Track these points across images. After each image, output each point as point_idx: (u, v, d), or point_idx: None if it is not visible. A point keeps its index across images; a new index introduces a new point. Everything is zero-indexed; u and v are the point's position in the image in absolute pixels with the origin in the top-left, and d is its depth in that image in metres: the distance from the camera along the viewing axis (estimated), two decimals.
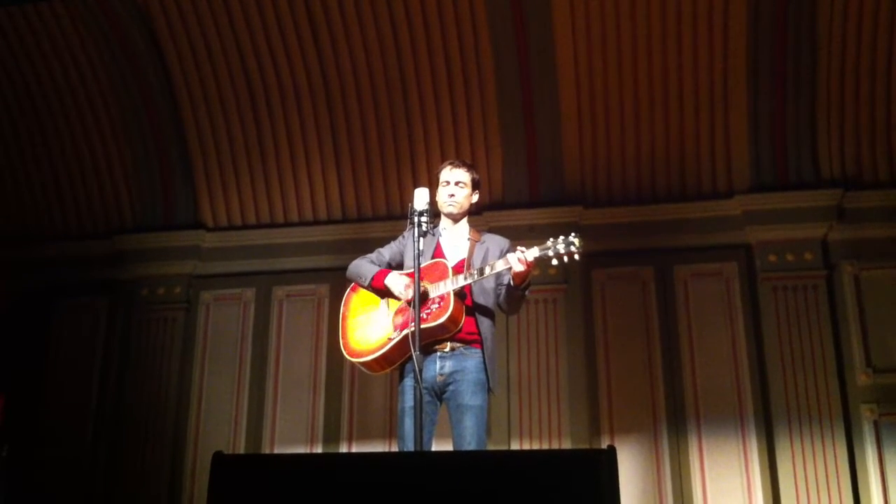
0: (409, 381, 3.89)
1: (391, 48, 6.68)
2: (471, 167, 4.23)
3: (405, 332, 3.79)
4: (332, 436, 6.59)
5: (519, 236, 6.37)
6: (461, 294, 3.88)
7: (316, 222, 7.13)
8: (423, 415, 3.62)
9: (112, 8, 6.72)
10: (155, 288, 7.11)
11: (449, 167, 4.19)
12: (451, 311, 3.79)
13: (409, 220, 3.76)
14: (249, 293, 7.06)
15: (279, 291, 7.03)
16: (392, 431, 6.42)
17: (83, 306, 7.23)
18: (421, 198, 3.80)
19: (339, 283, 6.76)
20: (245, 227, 7.22)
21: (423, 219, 3.72)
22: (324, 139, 7.00)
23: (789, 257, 6.38)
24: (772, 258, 6.40)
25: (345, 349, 4.07)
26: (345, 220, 7.09)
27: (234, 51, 6.81)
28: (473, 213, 6.41)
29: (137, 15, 6.75)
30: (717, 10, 6.32)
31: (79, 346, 7.10)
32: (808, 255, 6.37)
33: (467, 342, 3.91)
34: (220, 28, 6.74)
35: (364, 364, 3.99)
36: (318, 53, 6.76)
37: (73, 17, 6.84)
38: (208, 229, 7.20)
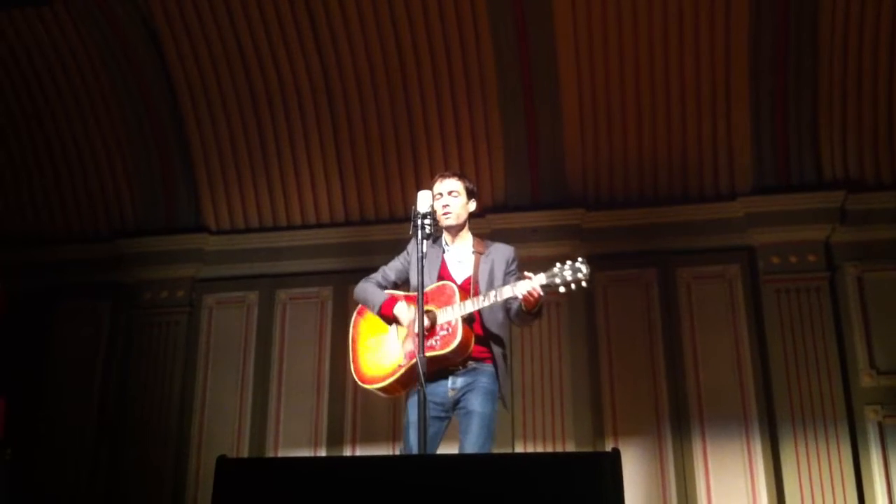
0: (417, 398, 3.89)
1: (393, 50, 6.68)
2: (462, 176, 4.16)
3: (414, 360, 3.78)
4: (335, 438, 6.58)
5: (522, 239, 6.43)
6: (469, 318, 3.86)
7: (318, 225, 7.13)
8: (431, 430, 3.65)
9: (113, 10, 6.73)
10: (158, 291, 7.12)
11: (439, 179, 4.12)
12: (461, 338, 3.77)
13: (412, 224, 3.75)
14: (252, 296, 7.06)
15: (282, 294, 7.03)
16: (395, 434, 6.42)
17: (85, 309, 7.23)
18: (424, 200, 3.77)
19: (342, 285, 6.79)
20: (248, 230, 7.22)
21: (427, 221, 3.70)
22: (326, 142, 7.01)
23: (792, 259, 6.38)
24: (775, 260, 6.40)
25: (356, 374, 4.03)
26: (347, 223, 7.09)
27: (235, 53, 6.82)
28: (475, 214, 6.49)
29: (138, 17, 6.76)
30: (719, 12, 6.32)
31: (81, 349, 7.10)
32: (811, 257, 6.37)
33: (480, 360, 3.91)
34: (221, 30, 6.75)
35: (380, 389, 3.97)
36: (320, 56, 6.77)
37: (75, 20, 6.86)
38: (211, 232, 7.20)
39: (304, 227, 7.14)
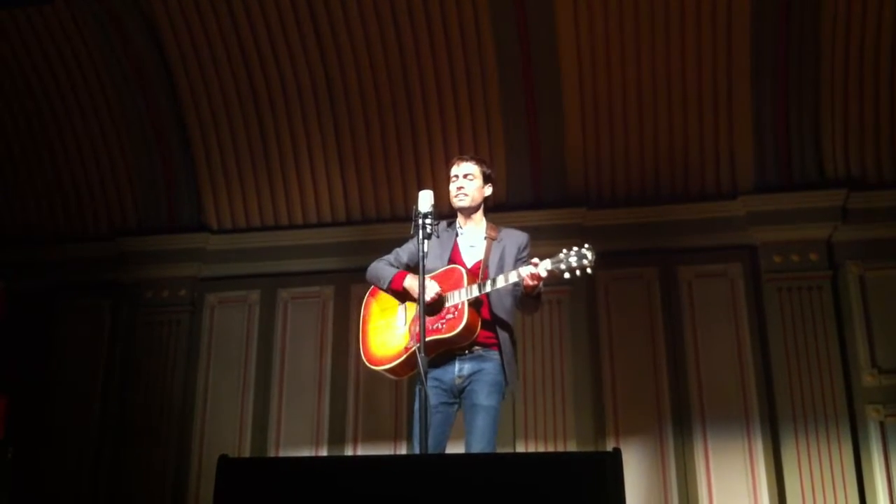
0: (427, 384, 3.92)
1: (394, 48, 6.68)
2: (481, 161, 4.24)
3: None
4: (337, 438, 6.58)
5: None
6: (477, 302, 3.89)
7: (320, 224, 7.13)
8: (441, 417, 3.77)
9: (114, 8, 6.73)
10: (159, 290, 7.12)
11: (456, 162, 4.21)
12: (466, 321, 3.81)
13: (413, 223, 3.76)
14: (254, 295, 7.05)
15: (284, 294, 7.03)
16: (398, 433, 6.44)
17: (87, 308, 7.23)
18: (425, 200, 3.79)
19: (343, 285, 6.80)
20: (249, 229, 7.22)
21: (428, 221, 3.72)
22: (327, 140, 7.00)
23: (794, 258, 6.37)
24: (776, 259, 6.39)
25: (365, 356, 4.08)
26: (349, 223, 7.09)
27: (236, 51, 6.82)
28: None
29: (140, 15, 6.76)
30: (721, 10, 6.31)
31: (83, 349, 7.10)
32: (812, 256, 6.36)
33: (486, 346, 3.95)
34: (222, 28, 6.75)
35: (387, 371, 4.01)
36: (321, 53, 6.76)
37: (76, 18, 6.85)
38: (213, 231, 7.20)
39: (306, 226, 7.14)
